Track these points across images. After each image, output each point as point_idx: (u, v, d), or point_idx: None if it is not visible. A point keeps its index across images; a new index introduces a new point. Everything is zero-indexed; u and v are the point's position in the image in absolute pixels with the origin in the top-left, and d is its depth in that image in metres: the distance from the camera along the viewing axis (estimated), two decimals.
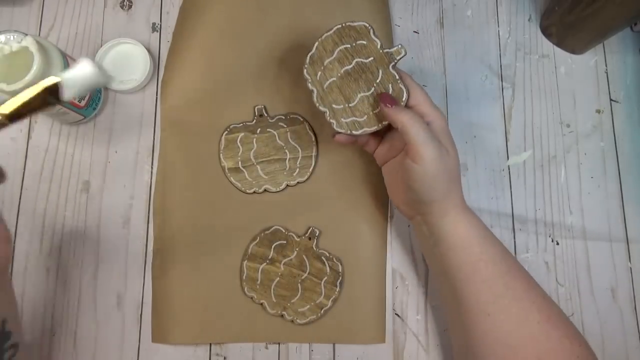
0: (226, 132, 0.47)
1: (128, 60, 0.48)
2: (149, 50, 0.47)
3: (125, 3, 0.50)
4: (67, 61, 0.40)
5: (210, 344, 0.43)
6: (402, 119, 0.36)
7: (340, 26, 0.39)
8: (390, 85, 0.39)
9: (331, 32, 0.39)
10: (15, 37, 0.38)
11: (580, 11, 0.45)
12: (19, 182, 0.46)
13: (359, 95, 0.39)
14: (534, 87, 0.50)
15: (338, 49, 0.39)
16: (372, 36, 0.39)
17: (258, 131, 0.47)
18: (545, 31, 0.51)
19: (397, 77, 0.39)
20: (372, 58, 0.39)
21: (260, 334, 0.43)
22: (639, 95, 0.50)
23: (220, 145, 0.46)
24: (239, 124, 0.47)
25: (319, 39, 0.39)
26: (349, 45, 0.39)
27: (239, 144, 0.46)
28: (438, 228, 0.38)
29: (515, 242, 0.46)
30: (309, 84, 0.40)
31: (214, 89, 0.47)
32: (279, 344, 0.43)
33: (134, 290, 0.44)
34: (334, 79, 0.39)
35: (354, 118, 0.39)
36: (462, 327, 0.37)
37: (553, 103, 0.49)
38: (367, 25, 0.39)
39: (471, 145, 0.48)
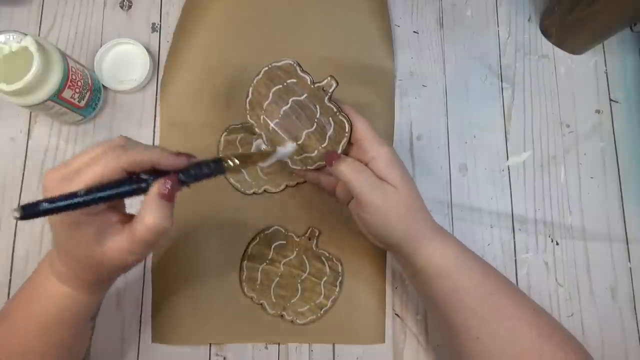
0: (225, 132, 0.47)
1: (128, 61, 0.48)
2: (148, 50, 0.47)
3: (125, 3, 0.50)
4: (66, 61, 0.40)
5: (210, 344, 0.43)
6: (343, 173, 0.35)
7: (267, 68, 0.38)
8: (330, 119, 0.38)
9: (260, 75, 0.38)
10: (15, 37, 0.38)
11: (580, 11, 0.45)
12: (19, 181, 0.46)
13: (304, 133, 0.39)
14: (534, 88, 0.50)
15: (271, 90, 0.38)
16: (300, 73, 0.37)
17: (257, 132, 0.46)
18: (545, 31, 0.51)
19: (336, 109, 0.37)
20: (305, 94, 0.38)
21: (260, 334, 0.43)
22: (638, 96, 0.50)
23: (220, 145, 0.46)
24: (239, 124, 0.47)
25: (252, 84, 0.39)
26: (281, 86, 0.38)
27: (238, 144, 0.46)
28: (412, 262, 0.36)
29: (515, 242, 0.46)
30: (256, 129, 0.40)
31: (213, 90, 0.47)
32: (278, 344, 0.43)
33: (134, 290, 0.44)
34: (277, 120, 0.39)
35: (306, 154, 0.39)
36: (454, 350, 0.36)
37: (553, 103, 0.49)
38: (292, 62, 0.37)
39: (471, 145, 0.48)
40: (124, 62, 0.48)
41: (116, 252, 0.28)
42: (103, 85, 0.47)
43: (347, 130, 0.37)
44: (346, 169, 0.35)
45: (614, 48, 0.51)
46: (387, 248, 0.40)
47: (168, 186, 0.28)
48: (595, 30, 0.47)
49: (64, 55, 0.41)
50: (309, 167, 0.39)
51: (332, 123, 0.38)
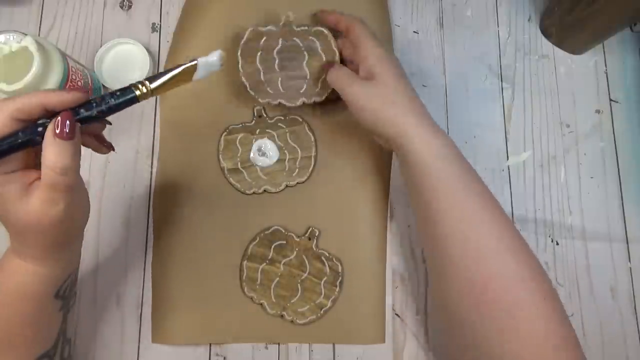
0: (225, 132, 0.47)
1: (128, 61, 0.48)
2: (148, 50, 0.47)
3: (124, 3, 0.50)
4: (66, 61, 0.40)
5: (210, 344, 0.43)
6: (330, 78, 0.41)
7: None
8: (310, 37, 0.43)
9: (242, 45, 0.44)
10: (14, 37, 0.38)
11: (580, 11, 0.45)
12: None
13: (304, 65, 0.44)
14: (534, 88, 0.50)
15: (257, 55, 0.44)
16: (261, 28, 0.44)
17: (257, 132, 0.47)
18: (545, 31, 0.51)
19: (307, 27, 0.43)
20: (280, 40, 0.44)
21: (260, 334, 0.43)
22: (638, 96, 0.50)
23: (220, 145, 0.46)
24: (238, 124, 0.47)
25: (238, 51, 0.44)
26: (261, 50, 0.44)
27: (238, 144, 0.46)
28: (398, 155, 0.39)
29: None
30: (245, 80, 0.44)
31: (213, 90, 0.47)
32: (278, 344, 0.43)
33: (134, 290, 0.44)
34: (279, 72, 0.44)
35: (321, 79, 0.44)
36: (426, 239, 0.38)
37: (553, 103, 0.49)
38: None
39: (471, 145, 0.48)
40: (124, 62, 0.48)
41: (39, 205, 0.28)
42: (103, 85, 0.47)
43: (327, 34, 0.42)
44: (331, 73, 0.40)
45: (614, 48, 0.51)
46: (385, 144, 0.41)
47: (61, 123, 0.27)
48: (595, 30, 0.47)
49: (64, 55, 0.41)
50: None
51: (315, 40, 0.43)
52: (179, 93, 0.47)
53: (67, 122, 0.27)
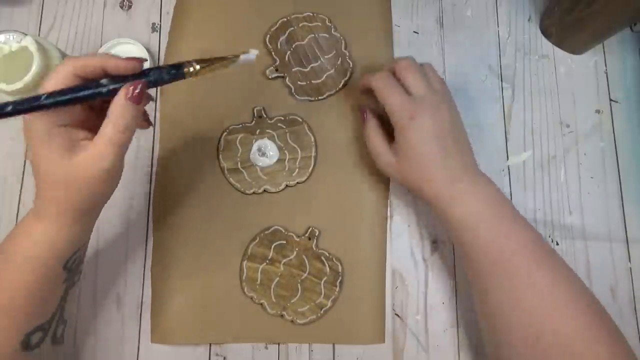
0: (225, 132, 0.47)
1: None
2: (148, 51, 0.47)
3: (124, 3, 0.50)
4: None
5: (210, 344, 0.43)
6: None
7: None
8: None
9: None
10: (14, 37, 0.38)
11: (580, 11, 0.45)
12: (19, 182, 0.46)
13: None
14: (534, 87, 0.50)
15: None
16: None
17: (257, 132, 0.47)
18: (545, 31, 0.51)
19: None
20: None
21: (260, 334, 0.43)
22: (638, 96, 0.50)
23: (220, 146, 0.46)
24: (238, 124, 0.47)
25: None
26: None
27: (238, 144, 0.46)
28: (441, 215, 0.39)
29: None
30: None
31: (213, 90, 0.47)
32: (278, 344, 0.43)
33: (134, 290, 0.44)
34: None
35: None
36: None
37: (553, 103, 0.49)
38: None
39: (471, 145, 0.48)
40: None
41: (88, 159, 0.30)
42: None
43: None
44: (366, 139, 0.43)
45: (614, 48, 0.51)
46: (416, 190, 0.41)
47: (134, 89, 0.30)
48: (595, 30, 0.47)
49: (64, 55, 0.41)
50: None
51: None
52: (179, 93, 0.47)
53: (140, 88, 0.30)
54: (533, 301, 0.34)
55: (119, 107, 0.30)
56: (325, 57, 0.48)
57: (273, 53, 0.48)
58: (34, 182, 0.31)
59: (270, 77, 0.48)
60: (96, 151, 0.30)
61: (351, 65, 0.48)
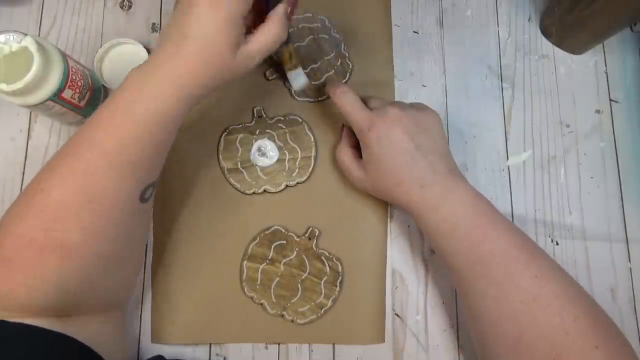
0: (225, 132, 0.47)
1: (127, 61, 0.47)
2: (148, 51, 0.47)
3: (124, 3, 0.50)
4: (66, 61, 0.40)
5: (210, 344, 0.43)
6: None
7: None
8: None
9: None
10: (14, 37, 0.38)
11: (580, 11, 0.45)
12: (19, 182, 0.46)
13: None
14: (534, 87, 0.50)
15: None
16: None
17: (257, 132, 0.47)
18: (545, 31, 0.51)
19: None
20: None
21: (260, 334, 0.43)
22: (638, 96, 0.50)
23: (220, 145, 0.46)
24: (238, 125, 0.47)
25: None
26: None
27: (238, 144, 0.46)
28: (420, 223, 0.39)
29: None
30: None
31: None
32: (278, 344, 0.43)
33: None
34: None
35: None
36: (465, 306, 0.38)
37: (553, 103, 0.49)
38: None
39: (471, 145, 0.48)
40: (124, 62, 0.48)
41: (244, 59, 0.33)
42: (103, 85, 0.47)
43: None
44: (337, 156, 0.45)
45: (614, 48, 0.51)
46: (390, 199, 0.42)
47: (288, 6, 0.35)
48: (595, 30, 0.47)
49: (64, 55, 0.41)
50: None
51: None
52: None
53: (292, 5, 0.36)
54: (516, 302, 0.34)
55: (277, 19, 0.34)
56: (325, 58, 0.48)
57: (273, 54, 0.48)
58: (166, 45, 0.32)
59: (270, 78, 0.48)
60: (250, 53, 0.33)
61: (351, 67, 0.48)
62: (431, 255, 0.45)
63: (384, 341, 0.43)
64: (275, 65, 0.48)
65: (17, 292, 0.31)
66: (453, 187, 0.38)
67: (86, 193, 0.32)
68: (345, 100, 0.41)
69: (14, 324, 0.30)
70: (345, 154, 0.43)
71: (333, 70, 0.48)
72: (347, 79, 0.48)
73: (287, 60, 0.41)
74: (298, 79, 0.42)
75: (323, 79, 0.48)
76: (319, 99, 0.48)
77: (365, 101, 0.42)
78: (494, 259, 0.35)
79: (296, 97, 0.48)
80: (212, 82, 0.34)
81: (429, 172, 0.38)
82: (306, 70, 0.48)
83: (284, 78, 0.47)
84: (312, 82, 0.48)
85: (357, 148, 0.43)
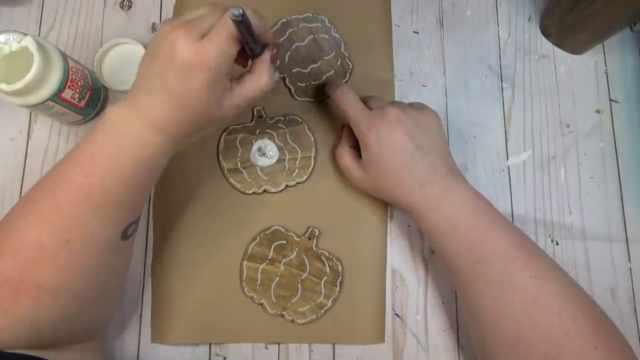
0: (225, 132, 0.47)
1: (128, 61, 0.47)
2: None
3: (124, 3, 0.50)
4: (66, 61, 0.40)
5: (210, 344, 0.43)
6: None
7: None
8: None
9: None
10: (14, 37, 0.38)
11: (580, 11, 0.45)
12: (19, 181, 0.46)
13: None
14: (534, 87, 0.50)
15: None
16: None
17: (257, 132, 0.47)
18: (545, 31, 0.51)
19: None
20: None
21: (260, 334, 0.43)
22: (638, 96, 0.50)
23: (220, 145, 0.46)
24: (238, 125, 0.47)
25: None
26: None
27: (238, 144, 0.46)
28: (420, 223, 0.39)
29: None
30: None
31: None
32: (278, 344, 0.43)
33: (134, 290, 0.44)
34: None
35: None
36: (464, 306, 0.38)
37: (553, 103, 0.49)
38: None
39: (471, 145, 0.48)
40: (124, 62, 0.48)
41: (231, 107, 0.34)
42: (103, 85, 0.47)
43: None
44: (336, 155, 0.45)
45: (614, 48, 0.51)
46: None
47: (274, 53, 0.35)
48: (595, 30, 0.47)
49: (64, 55, 0.41)
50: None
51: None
52: None
53: (276, 53, 0.35)
54: (515, 302, 0.34)
55: (264, 67, 0.34)
56: (325, 58, 0.48)
57: None
58: (149, 93, 0.32)
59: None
60: (236, 102, 0.34)
61: (351, 67, 0.48)
62: (431, 255, 0.45)
63: (384, 341, 0.43)
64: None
65: None
66: (453, 187, 0.38)
67: (64, 234, 0.31)
68: (346, 100, 0.41)
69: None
70: (345, 154, 0.43)
71: (333, 70, 0.48)
72: (347, 79, 0.48)
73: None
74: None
75: (323, 78, 0.48)
76: (319, 98, 0.48)
77: (365, 101, 0.42)
78: (493, 259, 0.35)
79: (296, 96, 0.48)
80: (197, 129, 0.34)
81: (428, 172, 0.38)
82: (306, 70, 0.48)
83: (284, 78, 0.47)
84: (312, 82, 0.48)
85: (357, 148, 0.43)
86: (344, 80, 0.48)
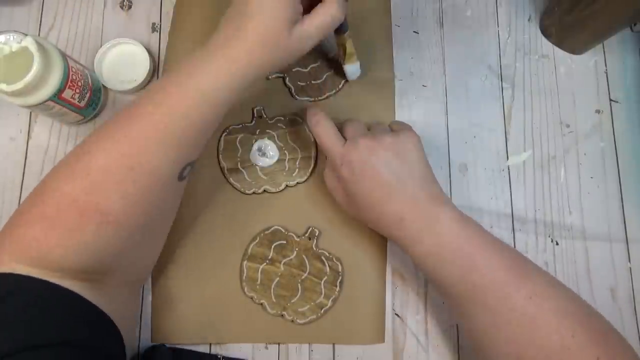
0: (225, 132, 0.47)
1: (128, 61, 0.48)
2: (148, 51, 0.47)
3: (125, 3, 0.50)
4: (66, 61, 0.40)
5: (210, 344, 0.43)
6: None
7: None
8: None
9: None
10: (15, 37, 0.38)
11: (579, 11, 0.45)
12: (19, 182, 0.46)
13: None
14: (534, 87, 0.50)
15: None
16: None
17: (257, 132, 0.47)
18: (545, 31, 0.51)
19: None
20: None
21: (260, 334, 0.43)
22: (638, 96, 0.50)
23: (220, 145, 0.46)
24: (238, 125, 0.47)
25: None
26: None
27: (238, 144, 0.46)
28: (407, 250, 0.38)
29: (515, 242, 0.46)
30: None
31: None
32: (278, 344, 0.43)
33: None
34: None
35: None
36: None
37: (553, 103, 0.49)
38: None
39: (471, 145, 0.48)
40: (124, 62, 0.48)
41: (302, 36, 0.34)
42: (103, 85, 0.47)
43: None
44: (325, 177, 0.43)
45: (614, 48, 0.51)
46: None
47: None
48: (595, 30, 0.47)
49: (64, 55, 0.41)
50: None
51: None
52: None
53: None
54: (513, 325, 0.33)
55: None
56: (326, 57, 0.48)
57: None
58: (225, 26, 0.34)
59: (270, 77, 0.48)
60: (306, 33, 0.34)
61: None
62: None
63: (384, 341, 0.43)
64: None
65: (54, 252, 0.31)
66: (435, 217, 0.36)
67: (129, 162, 0.32)
68: (320, 130, 0.40)
69: (55, 285, 0.30)
70: (331, 181, 0.42)
71: (332, 70, 0.48)
72: (346, 79, 0.48)
73: (343, 55, 0.42)
74: (355, 72, 0.43)
75: (323, 78, 0.48)
76: (319, 98, 0.48)
77: (341, 127, 0.41)
78: (485, 286, 0.34)
79: (296, 96, 0.48)
80: (266, 63, 0.34)
81: (408, 205, 0.37)
82: (306, 70, 0.48)
83: (284, 77, 0.47)
84: (312, 82, 0.48)
85: None
86: (343, 80, 0.48)
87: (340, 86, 0.48)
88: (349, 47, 0.42)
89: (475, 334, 0.36)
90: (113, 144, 0.33)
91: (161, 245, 0.41)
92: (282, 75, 0.48)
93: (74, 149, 0.34)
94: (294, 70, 0.48)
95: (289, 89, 0.48)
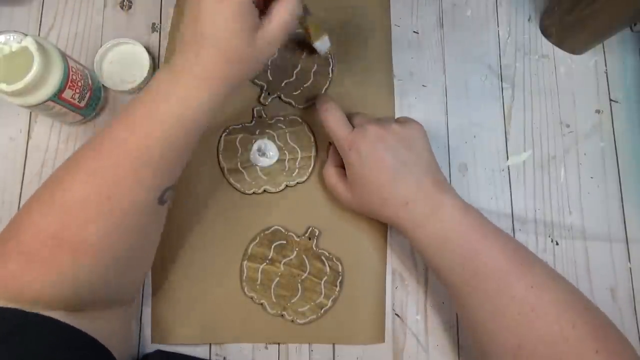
0: (225, 132, 0.47)
1: (128, 61, 0.47)
2: (148, 51, 0.47)
3: (124, 3, 0.50)
4: (66, 61, 0.40)
5: (210, 344, 0.43)
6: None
7: None
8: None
9: None
10: (15, 37, 0.38)
11: (580, 11, 0.45)
12: (19, 182, 0.46)
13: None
14: (534, 87, 0.50)
15: None
16: None
17: (257, 132, 0.47)
18: (545, 31, 0.51)
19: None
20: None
21: (260, 334, 0.43)
22: (638, 96, 0.50)
23: (220, 146, 0.46)
24: (238, 125, 0.47)
25: None
26: None
27: (238, 144, 0.46)
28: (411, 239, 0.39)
29: None
30: None
31: None
32: (278, 344, 0.43)
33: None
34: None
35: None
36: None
37: (553, 103, 0.49)
38: None
39: (471, 145, 0.48)
40: (124, 62, 0.48)
41: (265, 42, 0.32)
42: (103, 85, 0.47)
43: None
44: (324, 174, 0.44)
45: (614, 48, 0.51)
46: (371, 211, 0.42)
47: None
48: (595, 30, 0.47)
49: (64, 55, 0.41)
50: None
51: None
52: None
53: None
54: (514, 314, 0.33)
55: (288, 1, 0.32)
56: (302, 57, 0.48)
57: (256, 80, 0.47)
58: (184, 49, 0.32)
59: (267, 103, 0.47)
60: (272, 34, 0.32)
61: (332, 57, 0.48)
62: None
63: (384, 341, 0.43)
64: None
65: (32, 286, 0.31)
66: (440, 202, 0.37)
67: (105, 192, 0.32)
68: (330, 117, 0.41)
69: (33, 314, 0.30)
70: (331, 175, 0.43)
71: (315, 65, 0.47)
72: (332, 65, 0.48)
73: (310, 34, 0.41)
74: (325, 46, 0.42)
75: (311, 76, 0.47)
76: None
77: (350, 117, 0.42)
78: (487, 274, 0.35)
79: (298, 106, 0.47)
80: (235, 77, 0.33)
81: (413, 189, 0.37)
82: (292, 78, 0.47)
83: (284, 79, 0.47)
84: (304, 85, 0.47)
85: (343, 167, 0.42)
86: (330, 68, 0.47)
87: (331, 75, 0.47)
88: (312, 25, 0.41)
89: (475, 324, 0.36)
90: (88, 176, 0.32)
91: (147, 267, 0.41)
92: (276, 95, 0.47)
93: (47, 180, 0.34)
94: (283, 84, 0.47)
95: (289, 103, 0.47)
